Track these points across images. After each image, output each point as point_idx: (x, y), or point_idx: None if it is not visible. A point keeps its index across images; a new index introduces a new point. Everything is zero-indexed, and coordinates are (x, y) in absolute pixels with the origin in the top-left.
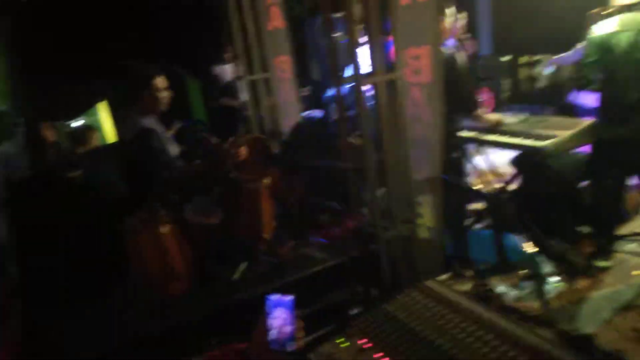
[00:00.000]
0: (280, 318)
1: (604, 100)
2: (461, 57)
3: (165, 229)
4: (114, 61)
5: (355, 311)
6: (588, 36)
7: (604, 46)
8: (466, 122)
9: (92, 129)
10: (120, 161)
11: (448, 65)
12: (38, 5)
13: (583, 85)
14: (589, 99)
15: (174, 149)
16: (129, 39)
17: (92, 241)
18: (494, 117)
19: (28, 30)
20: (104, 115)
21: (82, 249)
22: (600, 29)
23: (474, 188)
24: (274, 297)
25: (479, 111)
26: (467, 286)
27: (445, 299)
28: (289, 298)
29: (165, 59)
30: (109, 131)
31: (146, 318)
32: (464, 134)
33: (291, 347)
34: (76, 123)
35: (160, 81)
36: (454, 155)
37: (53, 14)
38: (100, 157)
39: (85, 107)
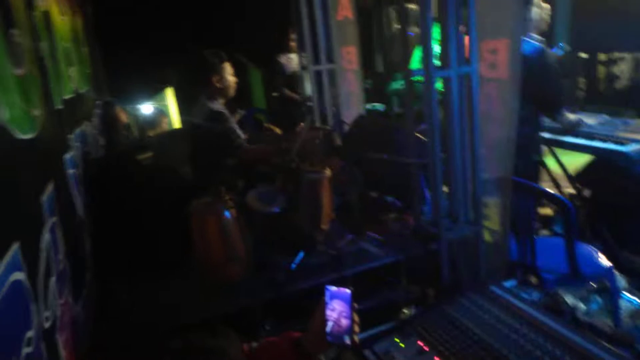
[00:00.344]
0: (338, 310)
1: None
2: (551, 53)
3: (228, 214)
4: (182, 48)
5: (411, 311)
6: None
7: None
8: (541, 122)
9: (162, 113)
10: (190, 144)
11: (538, 60)
12: None
13: None
14: None
15: (240, 133)
16: (195, 28)
17: (159, 221)
18: (573, 117)
19: (107, 18)
20: (171, 101)
21: (149, 228)
22: None
23: (546, 192)
24: (333, 289)
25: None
26: (534, 295)
27: (511, 307)
28: (347, 291)
29: (229, 47)
30: (175, 116)
31: (205, 300)
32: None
33: (347, 340)
34: (146, 107)
35: (228, 67)
36: (530, 158)
37: (127, 3)
38: (170, 141)
39: (154, 93)
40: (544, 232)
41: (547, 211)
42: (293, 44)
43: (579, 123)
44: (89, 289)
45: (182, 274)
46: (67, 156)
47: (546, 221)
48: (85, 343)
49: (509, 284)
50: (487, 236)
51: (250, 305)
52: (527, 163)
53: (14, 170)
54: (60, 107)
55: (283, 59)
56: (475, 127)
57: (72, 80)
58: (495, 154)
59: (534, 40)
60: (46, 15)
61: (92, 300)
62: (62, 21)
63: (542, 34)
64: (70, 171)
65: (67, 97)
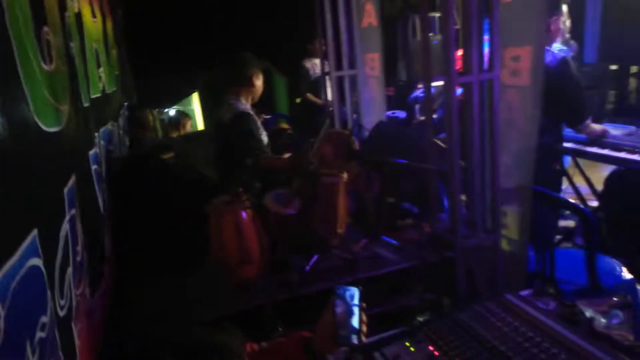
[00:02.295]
0: (346, 311)
1: None
2: (573, 62)
3: (245, 214)
4: (209, 54)
5: (424, 317)
6: None
7: None
8: (565, 132)
9: (186, 115)
10: (216, 143)
11: (560, 70)
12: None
13: None
14: None
15: (265, 137)
16: (221, 34)
17: (179, 219)
18: (598, 127)
19: (136, 22)
20: (196, 105)
21: (169, 226)
22: None
23: (567, 202)
24: (341, 289)
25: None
26: (551, 305)
27: (526, 316)
28: (356, 291)
29: (254, 53)
30: (200, 120)
31: (220, 298)
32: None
33: (355, 340)
34: (172, 111)
35: (258, 73)
36: (553, 167)
37: (156, 9)
38: (192, 142)
39: (180, 97)
40: (565, 244)
41: (568, 223)
42: (316, 50)
43: (603, 134)
44: (107, 283)
45: (199, 272)
46: (92, 152)
47: (567, 233)
48: (100, 335)
49: (525, 293)
50: (505, 245)
51: (263, 305)
52: (548, 173)
53: (37, 160)
54: (87, 104)
55: (308, 63)
56: (496, 134)
57: (100, 80)
58: (515, 162)
59: (558, 50)
60: (78, 16)
61: (109, 294)
62: (93, 23)
63: (565, 43)
64: (94, 167)
65: (94, 96)
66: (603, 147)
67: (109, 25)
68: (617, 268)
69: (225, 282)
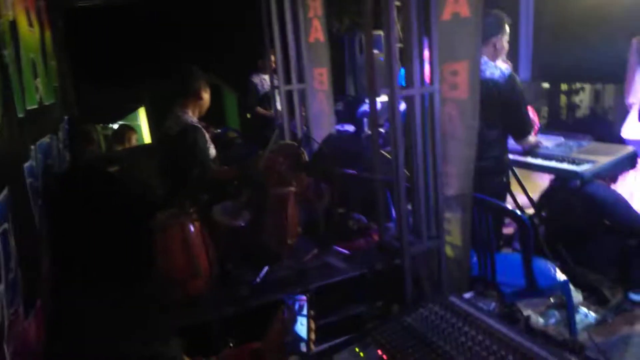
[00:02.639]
0: (295, 319)
1: None
2: (517, 78)
3: (192, 227)
4: (154, 68)
5: (374, 323)
6: None
7: None
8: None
9: (131, 128)
10: (162, 155)
11: (510, 85)
12: (88, 12)
13: None
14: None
15: (212, 150)
16: (167, 49)
17: (121, 234)
18: (532, 139)
19: (78, 35)
20: (143, 121)
21: (111, 241)
22: None
23: (505, 209)
24: (290, 299)
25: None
26: (492, 306)
27: (468, 316)
28: (303, 299)
29: (202, 68)
30: (146, 134)
31: (166, 314)
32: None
33: (304, 348)
34: (116, 126)
35: (204, 85)
36: (500, 179)
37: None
38: (138, 155)
39: (126, 112)
40: (506, 250)
41: (509, 230)
42: (265, 65)
43: (537, 145)
44: (44, 302)
45: (144, 289)
46: (27, 165)
47: (507, 239)
48: (36, 356)
49: (468, 295)
50: (449, 251)
51: (213, 320)
52: (496, 184)
53: None
54: (22, 115)
55: (257, 79)
56: (437, 145)
57: (37, 91)
58: (456, 171)
59: (500, 67)
60: (13, 24)
61: (46, 314)
62: (30, 32)
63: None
64: (29, 180)
65: (30, 107)
66: (535, 157)
67: (48, 35)
68: (552, 270)
69: (173, 297)
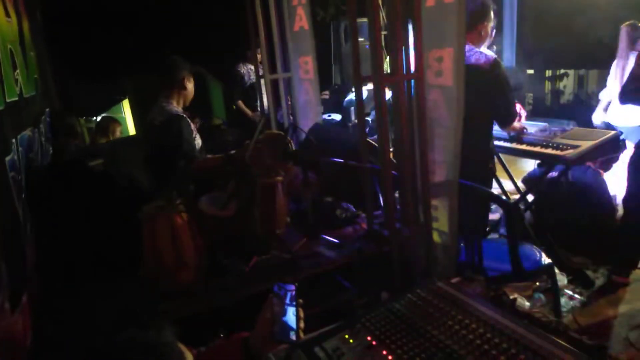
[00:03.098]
0: (283, 307)
1: None
2: (502, 65)
3: (179, 218)
4: (139, 59)
5: (364, 310)
6: None
7: None
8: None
9: (115, 121)
10: (147, 146)
11: (494, 71)
12: (67, 2)
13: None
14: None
15: (198, 140)
16: (152, 40)
17: (108, 226)
18: (517, 124)
19: (57, 26)
20: (127, 113)
21: (98, 234)
22: None
23: (491, 195)
24: (278, 287)
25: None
26: (479, 290)
27: (455, 300)
28: (292, 287)
29: (188, 59)
30: (131, 126)
31: (155, 305)
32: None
33: (293, 337)
34: (99, 118)
35: (187, 75)
36: (484, 165)
37: (79, 14)
38: (122, 148)
39: (109, 104)
40: (493, 236)
41: (495, 216)
42: (250, 54)
43: (522, 131)
44: (30, 298)
45: (132, 281)
46: (8, 158)
47: (494, 225)
48: (24, 350)
49: (455, 280)
50: (436, 237)
51: (202, 311)
52: (482, 171)
53: None
54: (1, 108)
55: (243, 69)
56: (423, 132)
57: (17, 84)
58: (443, 158)
59: (485, 53)
60: None
61: (32, 309)
62: (7, 23)
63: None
64: (11, 174)
65: (10, 99)
66: (520, 143)
67: (26, 26)
68: (537, 254)
69: (161, 288)
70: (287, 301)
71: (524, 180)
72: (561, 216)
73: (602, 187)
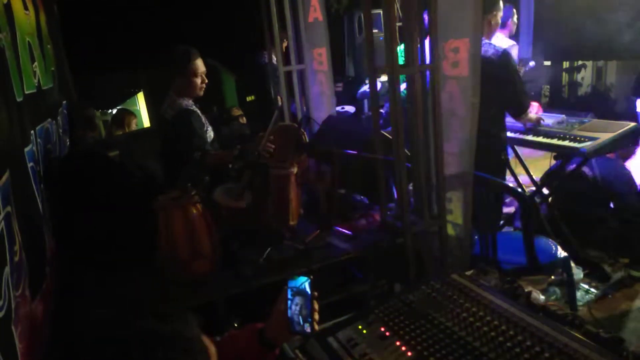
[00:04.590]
0: (298, 299)
1: None
2: (514, 55)
3: (194, 209)
4: (152, 51)
5: (377, 301)
6: None
7: None
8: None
9: (131, 113)
10: (160, 139)
11: (503, 61)
12: None
13: None
14: None
15: (210, 133)
16: (165, 33)
17: (124, 217)
18: (533, 115)
19: (74, 19)
20: (142, 105)
21: (114, 224)
22: None
23: (506, 186)
24: (294, 279)
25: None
26: (493, 283)
27: (470, 293)
28: (307, 280)
29: (199, 50)
30: (146, 118)
31: (171, 295)
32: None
33: (308, 329)
34: (115, 110)
35: (198, 65)
36: (497, 157)
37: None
38: (138, 140)
39: (124, 97)
40: (507, 229)
41: (510, 209)
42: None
43: (539, 121)
44: (50, 285)
45: (148, 271)
46: (27, 149)
47: (509, 218)
48: (44, 337)
49: (469, 273)
50: (450, 230)
51: (217, 300)
52: (495, 162)
53: None
54: (20, 99)
55: (254, 61)
56: (439, 123)
57: (35, 76)
58: (457, 150)
59: (503, 43)
60: (7, 7)
61: (53, 296)
62: (25, 15)
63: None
64: (30, 164)
65: (29, 91)
66: (537, 134)
67: (43, 19)
68: (553, 247)
69: (176, 278)
70: (302, 293)
71: (544, 177)
72: (579, 209)
73: (629, 178)
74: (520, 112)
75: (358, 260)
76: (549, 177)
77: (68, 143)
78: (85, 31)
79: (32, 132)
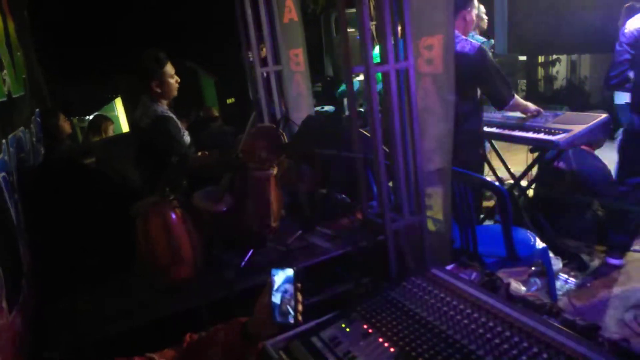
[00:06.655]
0: (282, 291)
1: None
2: (487, 50)
3: (173, 214)
4: (126, 55)
5: (360, 299)
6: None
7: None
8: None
9: (107, 119)
10: (136, 146)
11: (478, 57)
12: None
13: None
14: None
15: (187, 138)
16: (142, 37)
17: (101, 225)
18: (532, 107)
19: (45, 25)
20: (120, 109)
21: (92, 232)
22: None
23: (484, 181)
24: (277, 271)
25: (516, 99)
26: (473, 276)
27: (450, 287)
28: (291, 271)
29: (178, 55)
30: (124, 124)
31: (152, 303)
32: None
33: (292, 320)
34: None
35: (169, 69)
36: (475, 152)
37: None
38: (115, 146)
39: (101, 103)
40: (487, 222)
41: (490, 203)
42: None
43: (539, 113)
44: (27, 297)
45: (128, 278)
46: None
47: (489, 212)
48: (22, 350)
49: (450, 267)
50: (431, 225)
51: (199, 305)
52: (473, 157)
53: None
54: None
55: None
56: (415, 120)
57: (5, 84)
58: (435, 146)
59: (475, 40)
60: None
61: (30, 308)
62: None
63: (482, 33)
64: (2, 174)
65: None
66: (513, 129)
67: (11, 26)
68: (532, 239)
69: (158, 285)
70: (286, 284)
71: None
72: (557, 201)
73: (603, 169)
74: (502, 103)
75: (341, 260)
76: (527, 168)
77: (43, 151)
78: (59, 37)
79: (4, 141)
